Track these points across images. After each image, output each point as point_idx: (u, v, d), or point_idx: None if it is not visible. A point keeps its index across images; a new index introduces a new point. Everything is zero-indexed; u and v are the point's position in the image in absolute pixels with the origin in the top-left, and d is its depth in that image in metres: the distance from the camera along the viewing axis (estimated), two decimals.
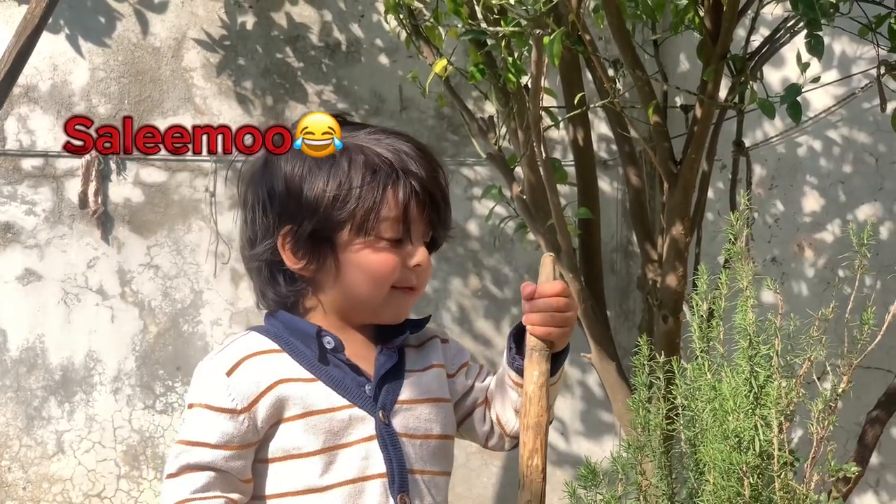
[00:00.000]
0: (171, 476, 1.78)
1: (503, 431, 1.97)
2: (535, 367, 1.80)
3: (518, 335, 1.89)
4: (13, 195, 4.66)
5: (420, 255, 1.86)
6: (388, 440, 1.81)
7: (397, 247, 1.84)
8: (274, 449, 1.79)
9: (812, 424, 2.12)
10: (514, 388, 1.91)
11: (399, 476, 1.80)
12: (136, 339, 4.69)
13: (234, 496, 1.77)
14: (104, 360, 4.67)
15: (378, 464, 1.80)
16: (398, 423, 1.83)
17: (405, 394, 1.86)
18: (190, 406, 1.82)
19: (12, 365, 4.64)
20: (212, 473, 1.76)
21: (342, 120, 1.91)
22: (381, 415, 1.81)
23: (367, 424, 1.80)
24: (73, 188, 4.67)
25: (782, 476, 2.03)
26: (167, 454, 1.83)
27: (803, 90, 3.52)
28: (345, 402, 1.80)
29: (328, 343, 1.84)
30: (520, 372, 1.86)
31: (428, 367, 1.92)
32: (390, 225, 1.83)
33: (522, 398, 1.80)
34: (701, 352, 2.19)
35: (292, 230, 1.85)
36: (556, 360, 1.87)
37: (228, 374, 1.79)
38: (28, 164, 4.67)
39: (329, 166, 1.84)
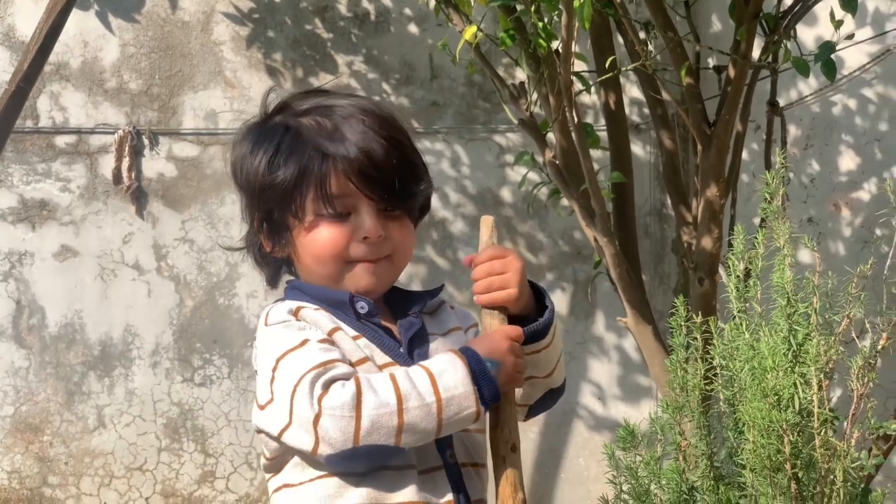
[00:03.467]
0: (321, 397, 1.70)
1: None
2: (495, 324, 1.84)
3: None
4: (48, 172, 4.69)
5: (368, 226, 1.83)
6: None
7: (342, 222, 1.84)
8: None
9: (852, 382, 2.11)
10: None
11: None
12: (173, 313, 4.72)
13: None
14: (142, 335, 4.70)
15: None
16: None
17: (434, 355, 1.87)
18: (278, 361, 1.75)
19: (51, 341, 4.68)
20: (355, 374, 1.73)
21: (319, 90, 1.97)
22: None
23: None
24: (106, 164, 4.69)
25: (822, 433, 2.01)
26: (296, 394, 1.72)
27: (837, 48, 3.48)
28: (387, 359, 1.83)
29: (362, 308, 1.86)
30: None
31: (448, 331, 1.94)
32: (317, 202, 1.83)
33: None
34: (738, 312, 2.18)
35: (260, 216, 1.90)
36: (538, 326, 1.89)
37: (295, 315, 1.81)
38: (61, 140, 4.70)
39: (262, 152, 1.86)
